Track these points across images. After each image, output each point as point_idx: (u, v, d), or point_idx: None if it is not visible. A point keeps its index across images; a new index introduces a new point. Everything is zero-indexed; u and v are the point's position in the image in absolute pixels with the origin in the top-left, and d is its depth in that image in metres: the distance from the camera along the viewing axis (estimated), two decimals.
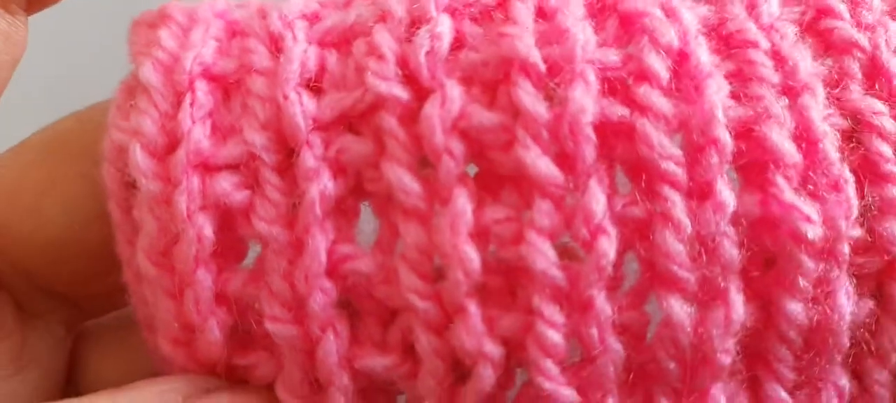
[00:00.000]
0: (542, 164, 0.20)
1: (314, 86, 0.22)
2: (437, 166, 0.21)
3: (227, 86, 0.22)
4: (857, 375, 0.23)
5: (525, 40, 0.21)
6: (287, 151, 0.21)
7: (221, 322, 0.21)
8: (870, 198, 0.21)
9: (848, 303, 0.21)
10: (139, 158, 0.22)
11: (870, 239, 0.21)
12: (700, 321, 0.20)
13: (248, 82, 0.22)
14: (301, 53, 0.22)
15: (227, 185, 0.21)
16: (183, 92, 0.22)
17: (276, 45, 0.22)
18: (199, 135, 0.21)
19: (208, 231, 0.21)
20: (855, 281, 0.21)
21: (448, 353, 0.20)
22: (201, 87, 0.22)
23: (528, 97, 0.20)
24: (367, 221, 0.22)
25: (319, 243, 0.21)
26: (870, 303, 0.22)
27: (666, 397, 0.21)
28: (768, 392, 0.21)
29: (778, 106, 0.21)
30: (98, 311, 0.27)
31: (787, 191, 0.20)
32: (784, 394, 0.21)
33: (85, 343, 0.27)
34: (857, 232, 0.21)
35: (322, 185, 0.21)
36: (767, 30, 0.22)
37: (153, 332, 0.22)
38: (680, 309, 0.20)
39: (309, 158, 0.21)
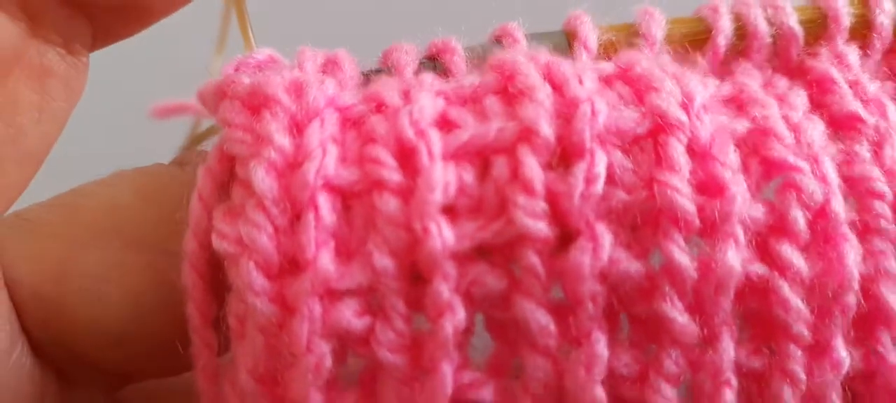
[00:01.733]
0: (682, 320, 0.20)
1: (447, 206, 0.20)
2: (577, 310, 0.20)
3: (348, 199, 0.20)
4: None
5: (683, 191, 0.20)
6: (414, 276, 0.20)
7: None
8: None
9: None
10: (254, 279, 0.19)
11: None
12: (812, 371, 0.21)
13: (377, 201, 0.19)
14: (441, 177, 0.19)
15: (349, 313, 0.19)
16: (303, 207, 0.19)
17: (406, 157, 0.20)
18: (325, 261, 0.19)
19: (328, 360, 0.20)
20: None
21: None
22: (324, 204, 0.19)
23: (681, 254, 0.20)
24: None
25: (447, 376, 0.20)
26: None
27: None
28: None
29: (895, 262, 0.22)
30: (140, 379, 0.25)
31: (892, 352, 0.22)
32: None
33: None
34: None
35: (456, 320, 0.20)
36: (891, 175, 0.22)
37: None
38: (798, 366, 0.21)
39: (444, 290, 0.19)
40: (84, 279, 0.21)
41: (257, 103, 0.20)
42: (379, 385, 0.20)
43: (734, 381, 0.21)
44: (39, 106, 0.22)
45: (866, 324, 0.22)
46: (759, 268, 0.21)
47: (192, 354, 0.21)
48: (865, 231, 0.22)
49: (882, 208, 0.22)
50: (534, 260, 0.20)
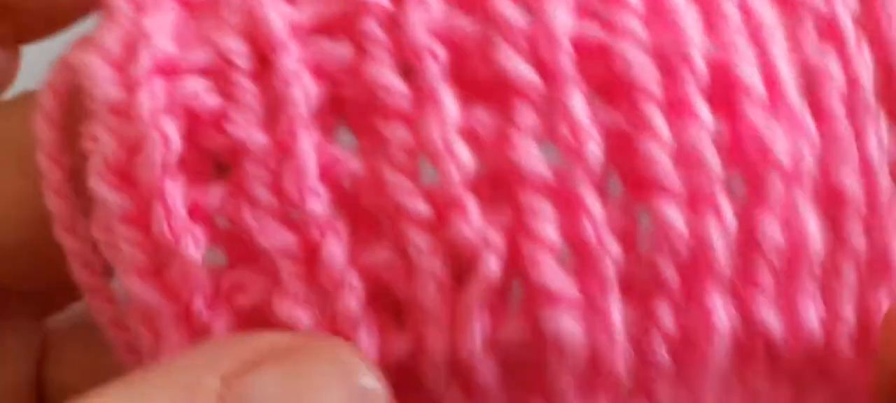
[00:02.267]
0: (522, 69, 0.20)
1: None
2: (421, 68, 0.20)
3: (194, 7, 0.21)
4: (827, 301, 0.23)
5: None
6: (261, 59, 0.20)
7: (198, 240, 0.20)
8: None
9: (813, 224, 0.22)
10: (96, 66, 0.20)
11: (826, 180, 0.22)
12: (694, 225, 0.20)
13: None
14: None
15: (197, 88, 0.20)
16: (146, 8, 0.21)
17: None
18: (162, 38, 0.20)
19: (174, 135, 0.20)
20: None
21: (445, 251, 0.20)
22: (167, 3, 0.21)
23: (505, 5, 0.21)
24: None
25: (309, 145, 0.20)
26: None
27: (665, 306, 0.21)
28: (757, 307, 0.22)
29: (747, 47, 0.22)
30: (49, 307, 0.25)
31: (757, 115, 0.21)
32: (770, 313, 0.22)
33: (47, 354, 0.25)
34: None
35: (306, 87, 0.20)
36: None
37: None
38: (673, 213, 0.20)
39: (288, 61, 0.20)
40: None
41: None
42: (243, 174, 0.20)
43: (597, 136, 0.20)
44: None
45: (727, 98, 0.22)
46: (596, 30, 0.21)
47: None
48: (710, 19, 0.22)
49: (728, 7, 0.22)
50: (372, 25, 0.21)
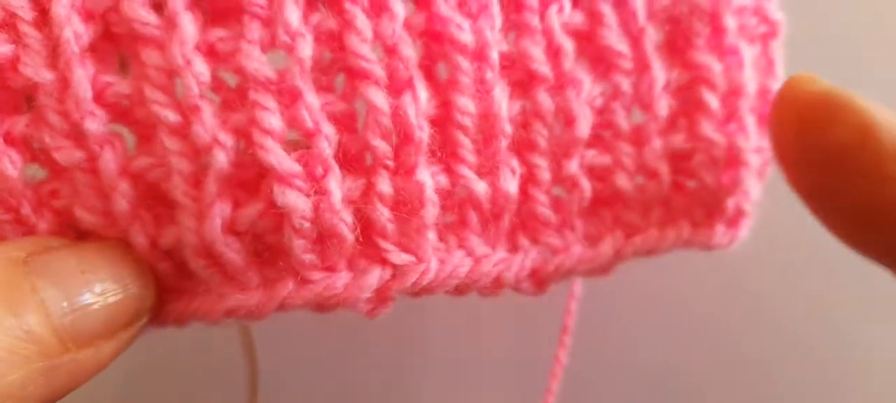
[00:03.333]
0: None
1: None
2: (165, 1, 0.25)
3: None
4: (523, 160, 0.28)
5: None
6: (41, 8, 0.25)
7: (14, 160, 0.25)
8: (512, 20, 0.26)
9: (503, 98, 0.26)
10: None
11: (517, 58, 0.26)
12: (396, 106, 0.24)
13: None
14: None
15: None
16: None
17: None
18: None
19: None
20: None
21: (190, 151, 0.24)
22: None
23: None
24: None
25: (80, 74, 0.24)
26: (519, 104, 0.27)
27: (381, 176, 0.25)
28: (461, 172, 0.26)
29: None
30: None
31: (443, 6, 0.25)
32: (470, 173, 0.26)
33: None
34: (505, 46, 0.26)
35: (74, 27, 0.24)
36: None
37: None
38: (378, 96, 0.24)
39: (59, 7, 0.25)
40: None
41: None
42: (40, 104, 0.25)
43: (310, 37, 0.24)
44: None
45: None
46: None
47: None
48: None
49: None
50: None
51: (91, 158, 0.25)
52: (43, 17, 0.25)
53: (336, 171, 0.24)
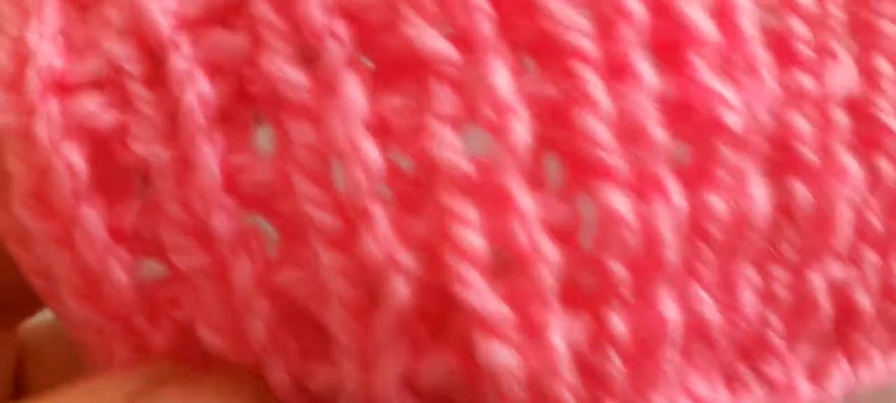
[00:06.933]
0: (432, 41, 0.17)
1: None
2: (321, 51, 0.18)
3: (81, 4, 0.19)
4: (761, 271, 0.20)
5: None
6: (154, 60, 0.19)
7: (124, 261, 0.19)
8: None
9: (761, 194, 0.19)
10: None
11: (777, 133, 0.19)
12: (642, 214, 0.17)
13: None
14: None
15: (91, 106, 0.19)
16: (30, 12, 0.19)
17: None
18: (48, 51, 0.19)
19: (78, 159, 0.19)
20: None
21: (355, 271, 0.18)
22: (50, 3, 0.19)
23: None
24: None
25: (208, 154, 0.18)
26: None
27: (616, 311, 0.18)
28: (698, 295, 0.19)
29: None
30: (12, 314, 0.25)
31: (706, 74, 0.17)
32: (706, 296, 0.19)
33: (25, 360, 0.26)
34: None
35: (198, 88, 0.18)
36: None
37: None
38: (619, 200, 0.17)
39: (178, 61, 0.18)
40: None
41: None
42: (155, 188, 0.19)
43: (524, 111, 0.17)
44: None
45: (673, 48, 0.18)
46: None
47: None
48: None
49: None
50: (265, 9, 0.18)
51: (219, 265, 0.18)
52: (157, 71, 0.19)
53: (558, 312, 0.17)
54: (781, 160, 0.19)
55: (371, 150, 0.17)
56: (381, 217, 0.17)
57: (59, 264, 0.20)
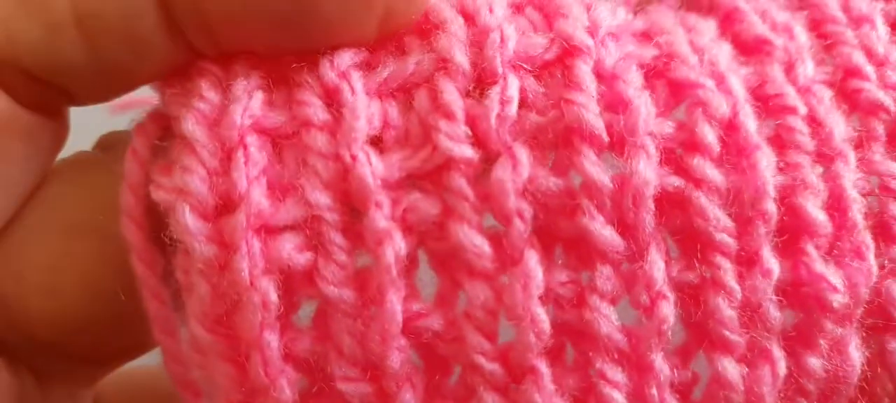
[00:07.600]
0: (606, 233, 0.21)
1: (375, 139, 0.21)
2: (508, 228, 0.21)
3: (278, 141, 0.21)
4: None
5: (590, 109, 0.21)
6: (351, 211, 0.21)
7: (291, 380, 0.21)
8: (882, 260, 0.23)
9: (857, 357, 0.23)
10: (189, 221, 0.20)
11: (875, 299, 0.23)
12: (749, 380, 0.22)
13: (306, 138, 0.21)
14: (365, 108, 0.21)
15: (290, 248, 0.20)
16: (233, 147, 0.20)
17: (331, 97, 0.21)
18: (257, 195, 0.20)
19: (273, 296, 0.20)
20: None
21: None
22: (253, 142, 0.21)
23: (594, 167, 0.21)
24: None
25: (396, 305, 0.21)
26: (866, 353, 0.24)
27: None
28: None
29: (813, 174, 0.22)
30: (115, 365, 0.26)
31: (817, 261, 0.22)
32: None
33: None
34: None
35: (396, 247, 0.20)
36: (804, 93, 0.23)
37: (205, 396, 0.22)
38: (733, 369, 0.22)
39: (380, 219, 0.20)
40: (40, 273, 0.22)
41: (192, 72, 0.22)
42: (331, 322, 0.21)
43: (671, 295, 0.21)
44: (26, 156, 0.22)
45: (791, 235, 0.22)
46: (675, 181, 0.21)
47: (146, 310, 0.22)
48: (781, 145, 0.23)
49: (795, 122, 0.23)
50: (460, 182, 0.21)
51: (383, 396, 0.21)
52: (350, 220, 0.21)
53: None
54: (879, 324, 0.23)
55: (544, 318, 0.21)
56: (546, 373, 0.21)
57: (223, 376, 0.21)
